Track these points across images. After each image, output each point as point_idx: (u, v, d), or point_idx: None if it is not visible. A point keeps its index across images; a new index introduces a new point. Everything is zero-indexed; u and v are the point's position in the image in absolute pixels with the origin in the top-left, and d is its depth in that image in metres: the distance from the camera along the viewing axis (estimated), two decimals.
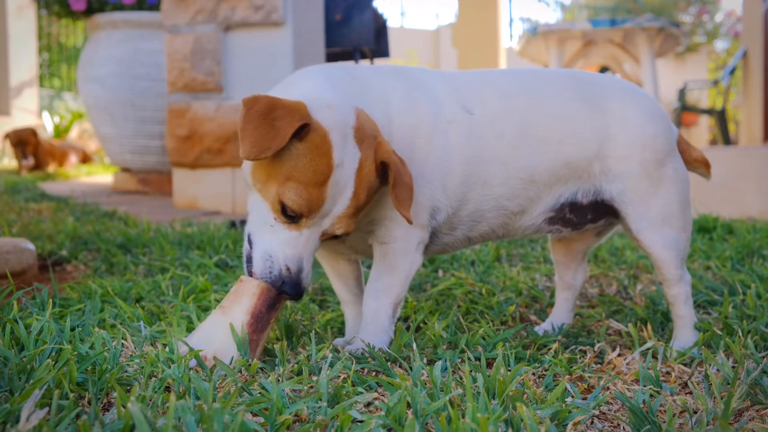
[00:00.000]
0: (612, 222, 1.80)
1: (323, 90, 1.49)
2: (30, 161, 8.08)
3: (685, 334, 1.72)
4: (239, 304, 1.49)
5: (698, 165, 1.80)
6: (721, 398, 1.31)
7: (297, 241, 1.44)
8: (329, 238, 1.49)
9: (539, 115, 1.65)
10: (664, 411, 1.30)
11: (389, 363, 1.50)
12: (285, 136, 1.34)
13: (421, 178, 1.56)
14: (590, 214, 1.73)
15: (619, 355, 1.65)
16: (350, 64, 1.68)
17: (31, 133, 8.17)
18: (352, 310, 1.78)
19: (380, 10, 6.27)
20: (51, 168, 8.31)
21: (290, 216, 1.42)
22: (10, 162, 8.67)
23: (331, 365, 1.44)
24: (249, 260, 1.49)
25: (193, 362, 1.43)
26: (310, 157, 1.38)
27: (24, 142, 8.10)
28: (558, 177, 1.66)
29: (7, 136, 8.22)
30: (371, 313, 1.62)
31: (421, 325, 1.84)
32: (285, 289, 1.44)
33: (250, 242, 1.49)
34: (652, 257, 1.70)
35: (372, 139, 1.43)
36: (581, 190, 1.69)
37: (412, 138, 1.56)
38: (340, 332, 1.81)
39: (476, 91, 1.65)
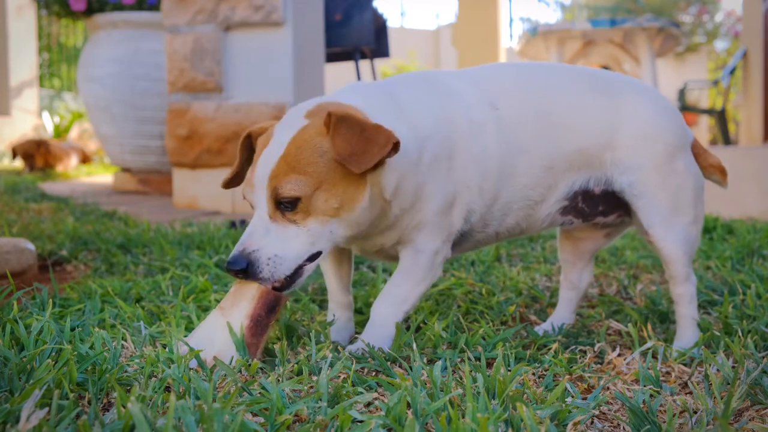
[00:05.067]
0: (624, 221, 1.81)
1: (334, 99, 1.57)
2: (39, 168, 8.12)
3: (686, 334, 1.72)
4: (238, 307, 1.49)
5: (714, 171, 1.78)
6: (721, 398, 1.31)
7: (251, 222, 1.49)
8: (285, 211, 1.45)
9: (555, 102, 1.67)
10: (664, 411, 1.30)
11: (389, 363, 1.51)
12: (238, 155, 1.59)
13: (461, 185, 1.58)
14: (601, 206, 1.74)
15: (619, 355, 1.65)
16: (384, 80, 1.70)
17: (35, 144, 8.18)
18: (346, 313, 1.79)
19: (380, 10, 6.27)
20: (60, 168, 8.32)
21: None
22: (11, 162, 8.67)
23: (331, 365, 1.44)
24: None
25: (193, 362, 1.43)
26: (256, 152, 1.52)
27: (30, 155, 8.13)
28: (572, 163, 1.68)
29: (14, 150, 8.25)
30: (383, 317, 1.61)
31: (421, 325, 1.84)
32: (227, 266, 1.46)
33: None
34: (661, 252, 1.70)
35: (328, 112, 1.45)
36: (593, 178, 1.70)
37: (452, 149, 1.57)
38: None
39: (496, 85, 1.67)
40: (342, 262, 1.77)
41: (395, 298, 1.62)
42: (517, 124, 1.63)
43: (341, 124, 1.41)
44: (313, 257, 1.50)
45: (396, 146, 1.42)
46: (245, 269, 1.44)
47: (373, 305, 1.65)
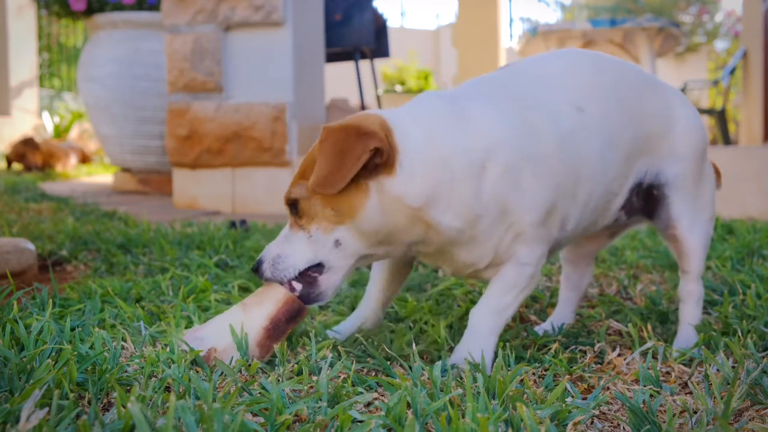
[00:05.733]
0: (640, 220, 1.81)
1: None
2: (37, 166, 8.12)
3: (687, 334, 1.73)
4: (261, 307, 1.50)
5: None
6: (721, 398, 1.31)
7: None
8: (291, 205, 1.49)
9: (627, 89, 1.67)
10: (664, 411, 1.30)
11: (389, 363, 1.50)
12: None
13: (558, 193, 1.51)
14: (641, 201, 1.74)
15: (619, 355, 1.65)
16: (461, 87, 1.63)
17: (23, 144, 8.16)
18: (370, 316, 1.73)
19: (380, 10, 6.27)
20: (59, 168, 8.30)
21: None
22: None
23: (331, 365, 1.44)
24: None
25: (203, 351, 1.45)
26: None
27: (21, 154, 8.12)
28: (641, 150, 1.67)
29: (8, 156, 8.25)
30: (488, 328, 1.54)
31: (423, 326, 1.83)
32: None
33: None
34: (683, 245, 1.72)
35: None
36: (649, 170, 1.70)
37: (536, 159, 1.49)
38: None
39: (575, 84, 1.61)
40: (393, 279, 1.72)
41: (497, 307, 1.55)
42: (604, 121, 1.59)
43: (327, 139, 1.40)
44: (319, 267, 1.48)
45: (378, 152, 1.38)
46: (256, 268, 1.51)
47: (471, 312, 1.57)
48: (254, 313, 1.50)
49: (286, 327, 1.50)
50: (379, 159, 1.39)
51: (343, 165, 1.37)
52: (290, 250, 1.48)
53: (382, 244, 1.48)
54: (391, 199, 1.42)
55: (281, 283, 1.50)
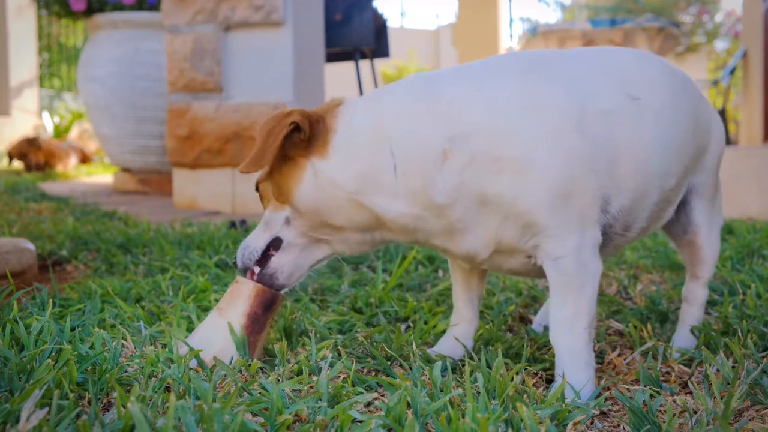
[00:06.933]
0: None
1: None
2: (39, 166, 8.13)
3: (688, 336, 1.73)
4: (235, 307, 1.50)
5: None
6: (721, 398, 1.31)
7: None
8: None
9: (694, 99, 1.60)
10: (664, 411, 1.30)
11: (389, 363, 1.50)
12: None
13: (580, 169, 1.34)
14: None
15: (619, 355, 1.65)
16: (456, 68, 1.50)
17: (27, 143, 8.17)
18: (467, 327, 1.65)
19: (380, 10, 6.27)
20: (60, 168, 8.31)
21: None
22: (10, 164, 8.69)
23: (331, 365, 1.44)
24: None
25: (193, 362, 1.43)
26: None
27: (24, 153, 8.13)
28: (694, 165, 1.62)
29: (10, 153, 8.26)
30: (567, 348, 1.39)
31: (422, 326, 1.83)
32: None
33: None
34: (701, 252, 1.71)
35: None
36: (688, 182, 1.66)
37: (539, 138, 1.33)
38: (340, 332, 1.81)
39: (638, 76, 1.50)
40: (472, 273, 1.65)
41: (566, 321, 1.39)
42: (670, 122, 1.49)
43: (262, 125, 1.44)
44: (277, 242, 1.48)
45: (294, 126, 1.38)
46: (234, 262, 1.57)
47: (549, 337, 1.44)
48: (230, 315, 1.50)
49: (265, 318, 1.50)
50: (303, 135, 1.39)
51: (266, 143, 1.40)
52: (253, 236, 1.53)
53: (329, 228, 1.45)
54: (325, 181, 1.39)
55: (247, 269, 1.52)
